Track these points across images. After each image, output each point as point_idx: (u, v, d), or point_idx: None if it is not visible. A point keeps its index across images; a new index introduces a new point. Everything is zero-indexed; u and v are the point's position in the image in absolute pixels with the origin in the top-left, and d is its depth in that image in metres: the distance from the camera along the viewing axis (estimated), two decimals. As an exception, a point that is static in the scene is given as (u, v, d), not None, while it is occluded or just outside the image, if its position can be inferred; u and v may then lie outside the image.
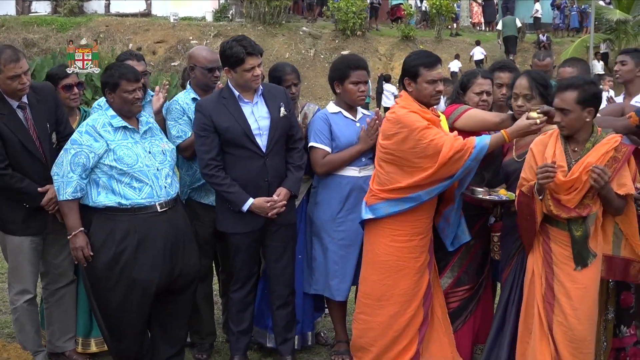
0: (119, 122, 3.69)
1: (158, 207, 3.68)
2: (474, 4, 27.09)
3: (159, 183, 3.69)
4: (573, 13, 25.54)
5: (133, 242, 3.61)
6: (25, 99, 3.85)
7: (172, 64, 22.06)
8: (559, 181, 3.37)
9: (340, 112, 4.19)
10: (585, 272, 3.42)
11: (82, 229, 3.63)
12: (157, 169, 3.71)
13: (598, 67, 20.28)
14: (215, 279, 4.62)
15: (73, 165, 3.60)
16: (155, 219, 3.66)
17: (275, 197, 3.91)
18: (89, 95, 15.60)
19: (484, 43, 23.63)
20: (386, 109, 15.17)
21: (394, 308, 3.80)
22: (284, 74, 4.30)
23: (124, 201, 3.62)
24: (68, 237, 3.66)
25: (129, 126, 3.71)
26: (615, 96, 6.85)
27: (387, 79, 18.86)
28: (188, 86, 4.34)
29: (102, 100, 4.19)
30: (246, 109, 3.94)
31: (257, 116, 3.94)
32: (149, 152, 3.72)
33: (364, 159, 4.11)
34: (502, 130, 3.64)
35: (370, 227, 3.86)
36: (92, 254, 3.61)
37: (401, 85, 3.90)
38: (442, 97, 4.13)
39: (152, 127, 3.85)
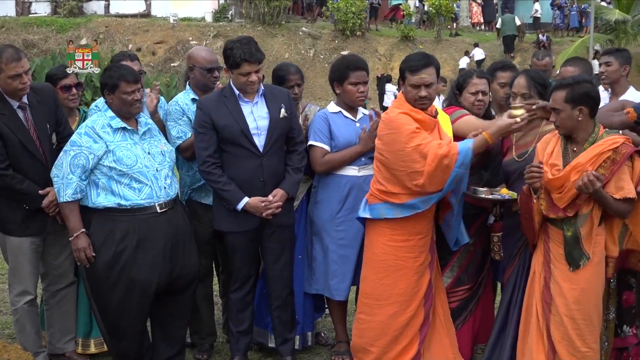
0: (118, 123, 3.69)
1: (157, 208, 3.68)
2: (474, 4, 27.09)
3: (159, 184, 3.69)
4: (573, 13, 25.54)
5: (132, 243, 3.60)
6: (25, 100, 3.86)
7: (172, 64, 22.09)
8: (547, 180, 3.38)
9: (340, 111, 4.20)
10: (581, 274, 3.40)
11: (84, 230, 3.63)
12: (157, 170, 3.71)
13: (597, 66, 20.25)
14: (215, 279, 4.62)
15: (72, 166, 3.60)
16: (155, 220, 3.66)
17: (270, 197, 3.91)
18: (88, 96, 15.62)
19: (484, 43, 23.65)
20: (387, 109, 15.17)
21: (392, 308, 3.79)
22: (288, 74, 4.31)
23: (123, 202, 3.62)
24: (70, 239, 3.66)
25: (128, 127, 3.71)
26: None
27: (388, 79, 18.92)
28: (187, 87, 4.35)
29: (99, 101, 4.20)
30: (246, 108, 3.94)
31: (257, 116, 3.95)
32: (148, 153, 3.72)
33: (363, 159, 4.11)
34: (483, 132, 3.60)
35: (370, 226, 3.85)
36: (94, 254, 3.62)
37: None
38: (437, 96, 4.12)
39: (151, 128, 3.85)
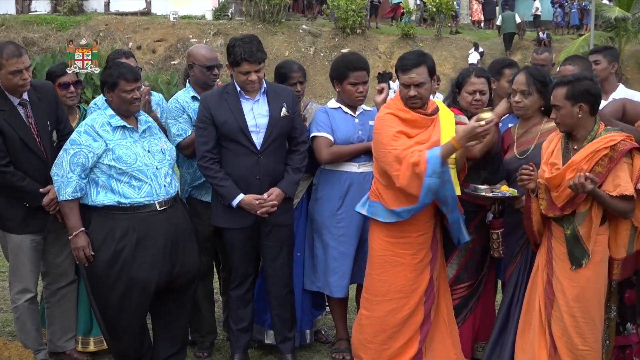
0: (117, 121, 3.69)
1: (157, 206, 3.68)
2: (474, 1, 27.06)
3: (158, 182, 3.69)
4: (573, 10, 25.53)
5: (132, 241, 3.60)
6: (26, 97, 3.86)
7: (172, 62, 22.06)
8: (546, 178, 3.40)
9: (340, 107, 4.21)
10: (582, 273, 3.40)
11: (83, 228, 3.63)
12: (156, 168, 3.70)
13: (596, 65, 20.23)
14: (215, 277, 4.62)
15: (72, 165, 3.60)
16: (155, 218, 3.66)
17: (265, 195, 3.92)
18: (89, 94, 15.60)
19: (484, 41, 23.62)
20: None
21: (390, 304, 3.77)
22: (290, 71, 4.32)
23: (123, 200, 3.61)
24: (69, 237, 3.66)
25: (128, 125, 3.71)
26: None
27: (390, 76, 18.86)
28: (187, 84, 4.35)
29: (98, 99, 4.20)
30: (246, 106, 3.95)
31: (256, 113, 3.94)
32: (148, 151, 3.72)
33: (362, 155, 4.12)
34: (451, 138, 3.55)
35: (370, 223, 3.85)
36: (93, 253, 3.61)
37: None
38: (432, 95, 4.08)
39: (151, 126, 3.85)
